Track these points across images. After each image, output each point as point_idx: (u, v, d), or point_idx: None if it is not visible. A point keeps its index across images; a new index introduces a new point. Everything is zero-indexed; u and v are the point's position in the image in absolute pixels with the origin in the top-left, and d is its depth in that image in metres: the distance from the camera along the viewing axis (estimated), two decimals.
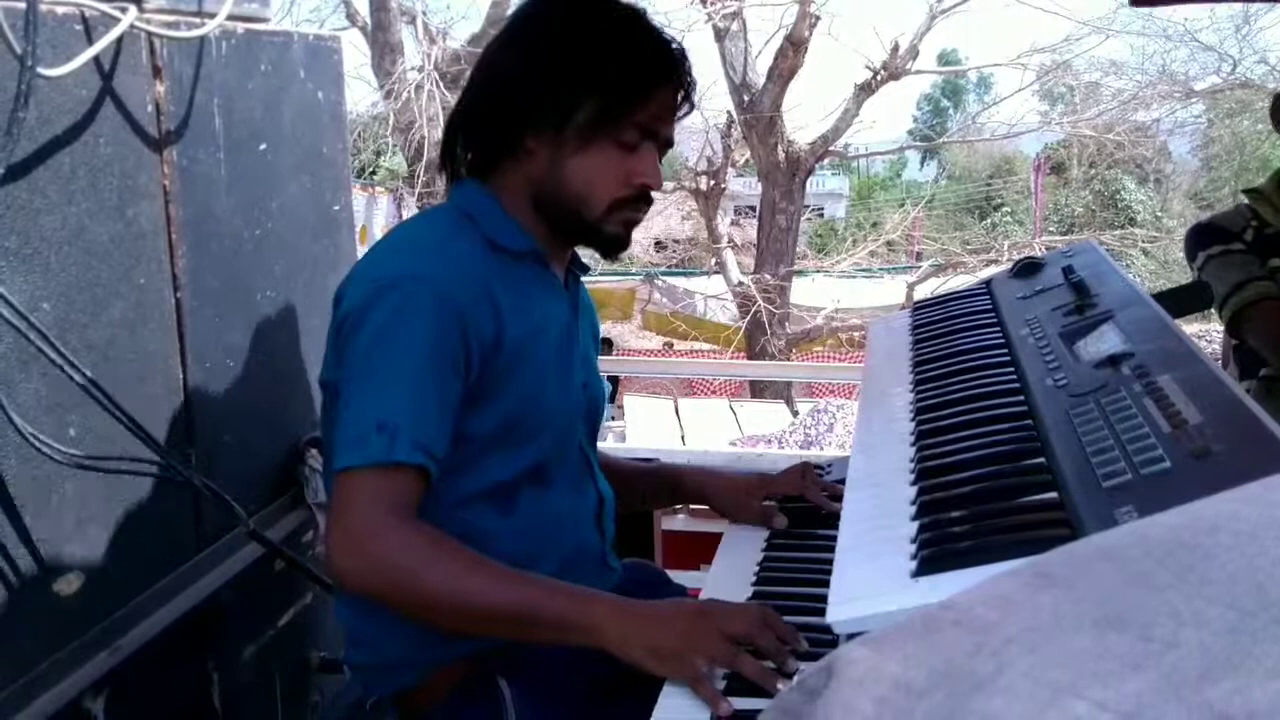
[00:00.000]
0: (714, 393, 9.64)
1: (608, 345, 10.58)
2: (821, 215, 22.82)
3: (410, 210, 10.18)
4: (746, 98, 9.07)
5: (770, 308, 9.27)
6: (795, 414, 6.76)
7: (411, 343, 1.09)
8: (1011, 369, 1.07)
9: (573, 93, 1.17)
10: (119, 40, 1.31)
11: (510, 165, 1.22)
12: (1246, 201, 1.78)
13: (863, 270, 14.18)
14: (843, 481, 1.01)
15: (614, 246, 1.25)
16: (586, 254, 1.38)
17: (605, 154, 1.18)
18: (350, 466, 1.07)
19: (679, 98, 1.23)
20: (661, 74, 1.19)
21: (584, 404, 1.31)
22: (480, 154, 1.25)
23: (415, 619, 1.10)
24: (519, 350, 1.16)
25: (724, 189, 9.96)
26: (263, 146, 1.65)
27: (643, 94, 1.17)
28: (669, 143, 1.24)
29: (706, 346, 12.38)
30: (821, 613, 0.76)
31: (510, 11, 1.28)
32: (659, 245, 15.46)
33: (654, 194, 1.24)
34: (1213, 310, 1.74)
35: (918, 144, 19.41)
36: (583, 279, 1.39)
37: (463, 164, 1.27)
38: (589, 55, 1.18)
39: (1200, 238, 1.75)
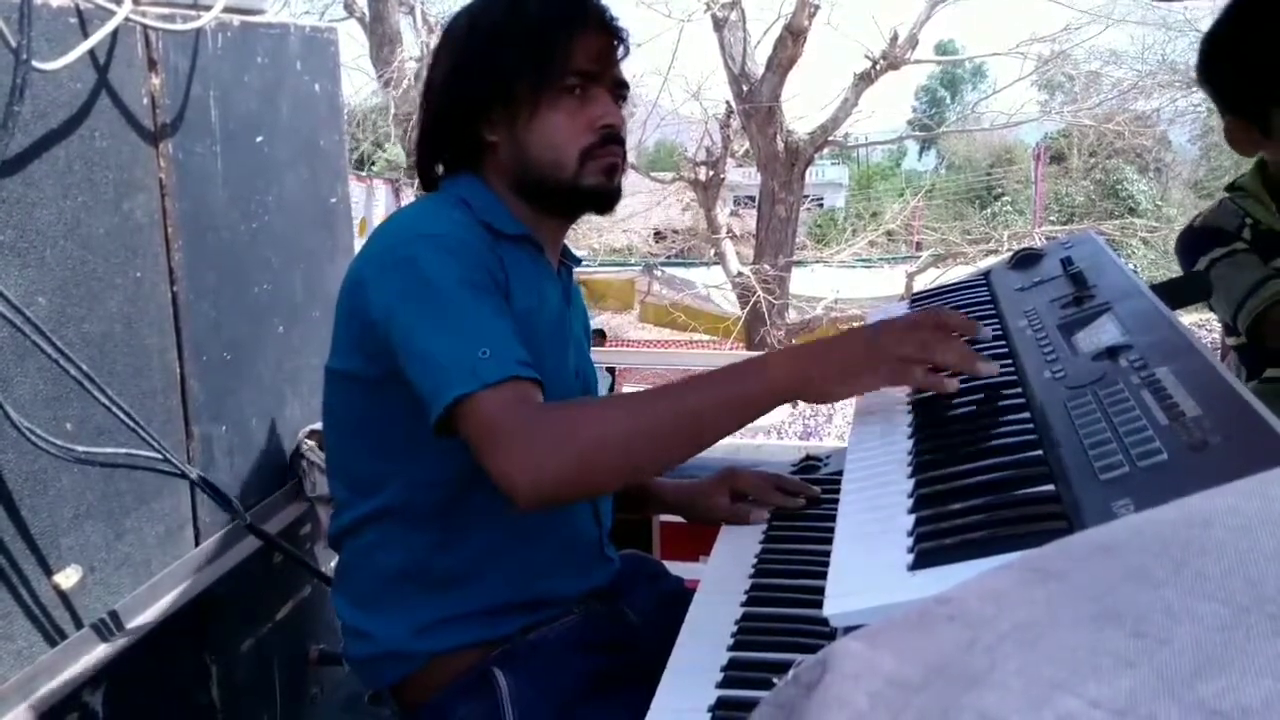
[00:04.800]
0: None
1: (600, 337, 10.53)
2: (821, 205, 22.79)
3: (409, 201, 10.16)
4: (745, 87, 9.06)
5: (770, 298, 9.27)
6: (794, 404, 6.76)
7: (451, 280, 1.09)
8: (1009, 361, 1.07)
9: (499, 75, 1.20)
10: (114, 33, 1.31)
11: (482, 164, 1.25)
12: (1229, 197, 1.68)
13: (862, 260, 14.17)
14: (840, 474, 1.00)
15: (602, 199, 1.26)
16: (584, 248, 1.38)
17: (556, 112, 1.20)
18: (468, 393, 1.02)
19: (606, 38, 1.23)
20: (570, 21, 1.21)
21: (578, 390, 1.32)
22: (453, 165, 1.28)
23: (619, 475, 1.10)
24: (519, 320, 1.16)
25: (723, 179, 9.95)
26: (259, 139, 1.65)
27: (563, 45, 1.19)
28: (620, 83, 1.26)
29: (706, 337, 12.38)
30: (818, 605, 0.76)
31: None
32: (658, 236, 15.42)
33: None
34: (1212, 304, 1.68)
35: (917, 134, 19.35)
36: (582, 270, 1.39)
37: (440, 177, 1.30)
38: (497, 36, 1.21)
39: (1198, 241, 1.64)
